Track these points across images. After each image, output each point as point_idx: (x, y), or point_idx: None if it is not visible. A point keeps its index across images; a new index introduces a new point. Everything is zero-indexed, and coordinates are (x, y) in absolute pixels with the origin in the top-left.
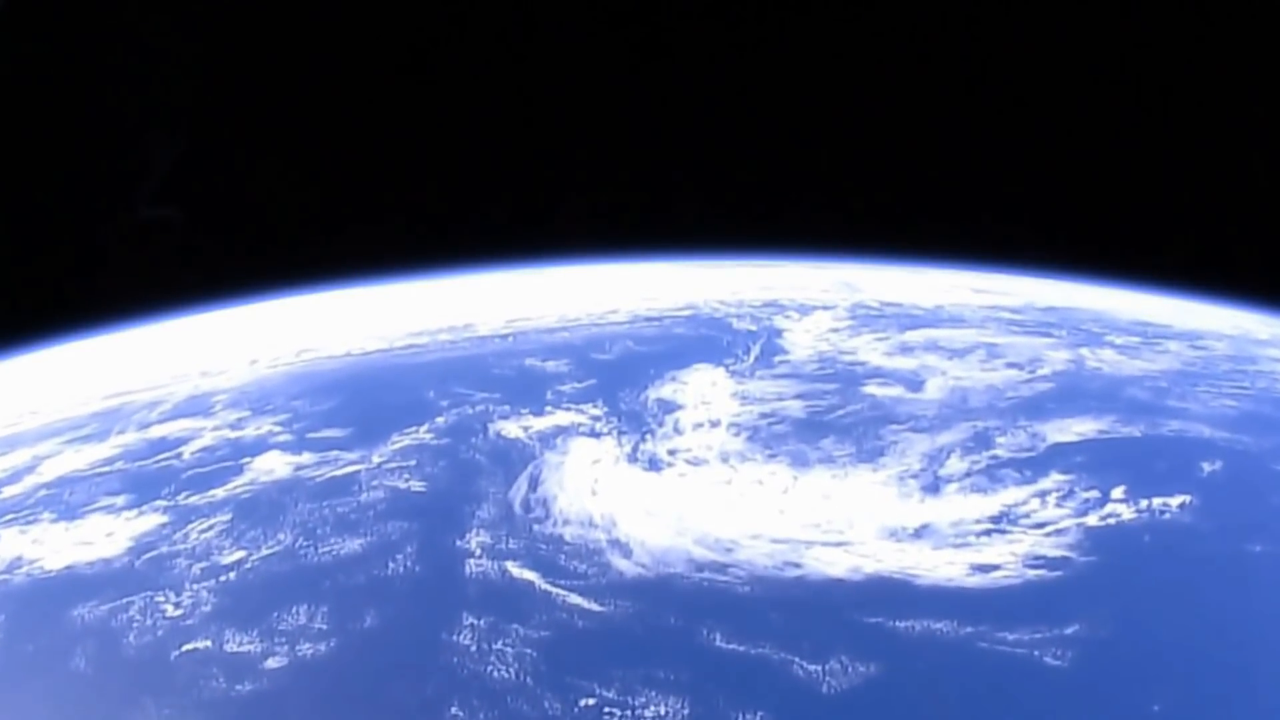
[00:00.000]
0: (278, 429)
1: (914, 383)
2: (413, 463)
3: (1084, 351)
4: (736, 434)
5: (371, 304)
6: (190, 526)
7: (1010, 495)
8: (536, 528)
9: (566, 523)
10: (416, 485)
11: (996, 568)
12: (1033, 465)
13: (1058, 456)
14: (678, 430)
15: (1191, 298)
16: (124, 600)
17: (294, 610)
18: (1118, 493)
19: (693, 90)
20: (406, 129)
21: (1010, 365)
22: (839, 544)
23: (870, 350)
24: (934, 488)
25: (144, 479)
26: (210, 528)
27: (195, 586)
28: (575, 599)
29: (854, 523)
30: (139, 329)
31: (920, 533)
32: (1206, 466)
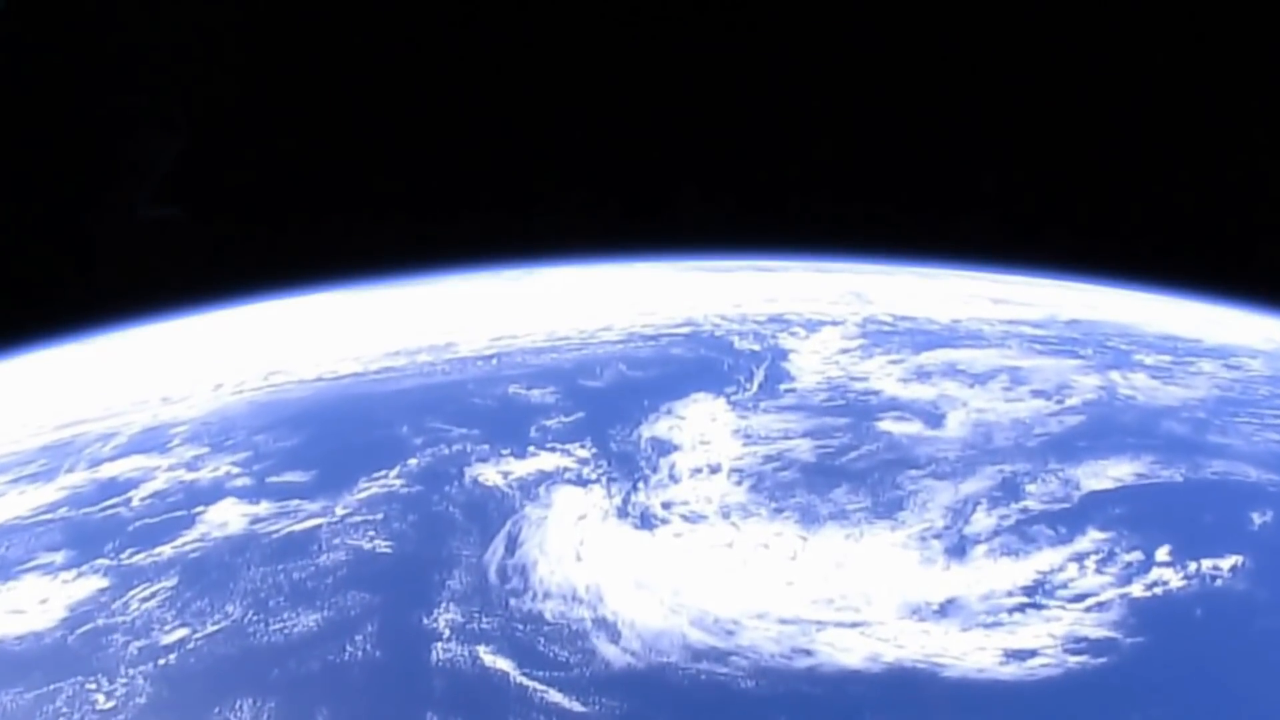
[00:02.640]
0: (236, 470)
1: (933, 417)
2: (380, 516)
3: (1114, 375)
4: (738, 482)
5: (352, 311)
6: (131, 593)
7: (1045, 559)
8: (513, 602)
9: (547, 596)
10: (382, 545)
11: (1033, 654)
12: (1068, 520)
13: (1094, 508)
14: (673, 477)
15: (1213, 301)
16: (52, 687)
17: (237, 705)
18: (1163, 553)
19: (691, 83)
20: (393, 123)
21: (1036, 393)
22: (855, 625)
23: (884, 376)
24: (960, 550)
25: (87, 531)
26: (153, 595)
27: (131, 671)
28: (555, 696)
29: (872, 597)
30: (120, 334)
31: (946, 609)
32: (1256, 518)
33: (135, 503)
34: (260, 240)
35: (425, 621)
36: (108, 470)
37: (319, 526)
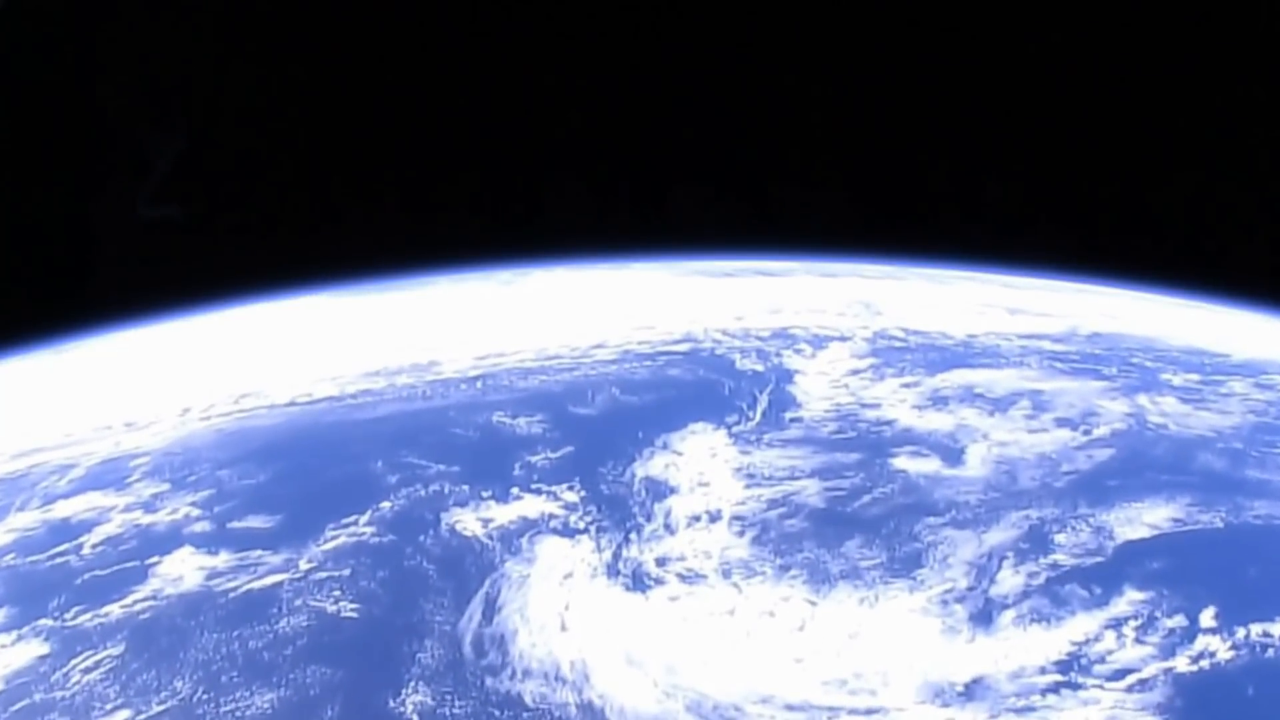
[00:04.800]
0: (196, 513)
1: (952, 452)
2: (347, 571)
3: (1142, 400)
4: (740, 533)
5: (336, 319)
6: (74, 662)
7: (1079, 626)
8: (489, 682)
9: (527, 675)
10: (348, 608)
11: None
12: (1102, 577)
13: (1130, 563)
14: (669, 527)
15: (1227, 304)
16: None
17: None
18: (1207, 617)
19: (691, 81)
20: (385, 122)
21: (1061, 422)
22: (871, 712)
23: (897, 402)
24: (985, 617)
25: (33, 584)
26: (96, 665)
27: None
28: None
29: (889, 676)
30: (107, 338)
31: (972, 690)
32: None
33: (86, 550)
34: (253, 240)
35: (391, 704)
36: (61, 509)
37: (280, 584)
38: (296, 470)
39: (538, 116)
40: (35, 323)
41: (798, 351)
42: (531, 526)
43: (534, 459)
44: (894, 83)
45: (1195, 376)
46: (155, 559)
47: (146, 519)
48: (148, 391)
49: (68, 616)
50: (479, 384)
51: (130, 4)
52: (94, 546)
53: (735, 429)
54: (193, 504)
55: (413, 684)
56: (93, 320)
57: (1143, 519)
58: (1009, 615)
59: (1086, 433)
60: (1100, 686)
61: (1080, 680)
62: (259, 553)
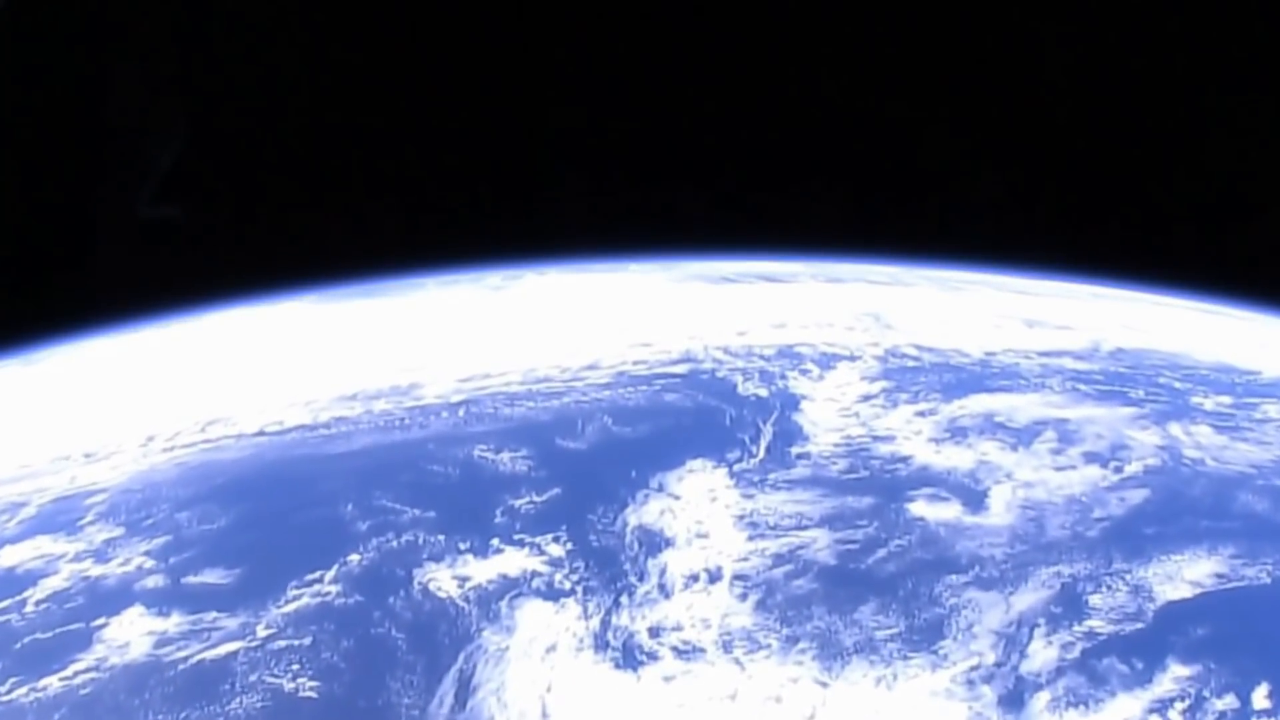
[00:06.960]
0: (150, 564)
1: (973, 495)
2: (308, 640)
3: (1175, 430)
4: (743, 595)
5: (316, 328)
6: None
7: (1120, 710)
8: None
9: None
10: (307, 686)
11: None
12: (1143, 648)
13: (1173, 629)
14: (664, 589)
15: (1251, 307)
16: None
17: None
18: (1260, 696)
19: (690, 78)
20: (377, 117)
21: (1090, 458)
22: None
23: (912, 434)
24: (1017, 700)
25: None
26: None
27: None
28: None
29: None
30: (95, 341)
31: None
32: None
33: (30, 607)
34: (245, 239)
35: None
36: (7, 556)
37: (235, 654)
38: (261, 514)
39: (533, 112)
40: (31, 323)
41: (804, 373)
42: (512, 587)
43: (517, 503)
44: (898, 79)
45: (1227, 399)
46: (102, 620)
47: (97, 570)
48: (115, 411)
49: (2, 690)
50: (461, 411)
51: (130, 3)
52: (38, 603)
53: (737, 467)
54: (147, 553)
55: None
56: (89, 321)
57: (1183, 575)
58: (1043, 698)
59: (1118, 470)
60: None
61: None
62: (214, 615)
